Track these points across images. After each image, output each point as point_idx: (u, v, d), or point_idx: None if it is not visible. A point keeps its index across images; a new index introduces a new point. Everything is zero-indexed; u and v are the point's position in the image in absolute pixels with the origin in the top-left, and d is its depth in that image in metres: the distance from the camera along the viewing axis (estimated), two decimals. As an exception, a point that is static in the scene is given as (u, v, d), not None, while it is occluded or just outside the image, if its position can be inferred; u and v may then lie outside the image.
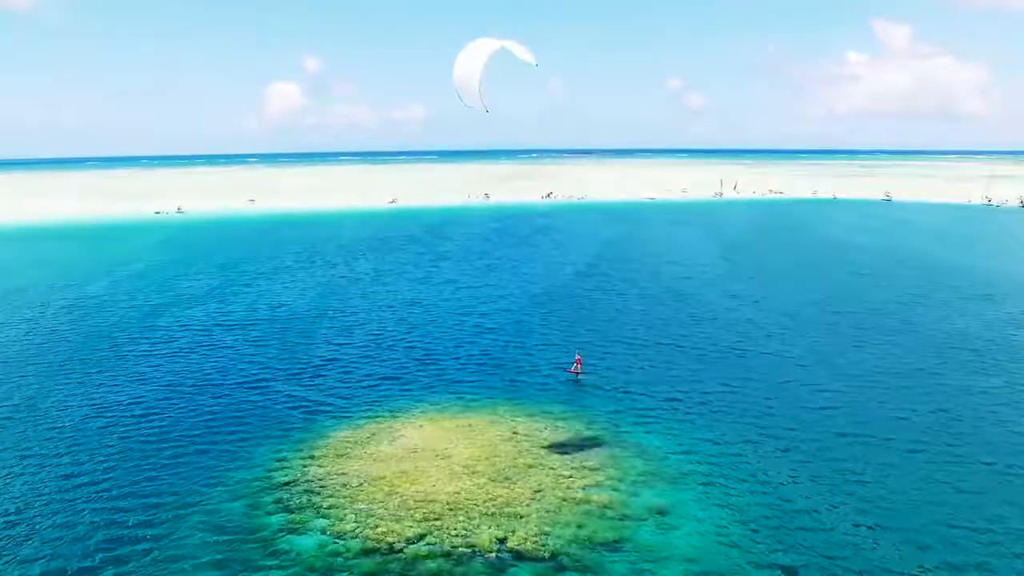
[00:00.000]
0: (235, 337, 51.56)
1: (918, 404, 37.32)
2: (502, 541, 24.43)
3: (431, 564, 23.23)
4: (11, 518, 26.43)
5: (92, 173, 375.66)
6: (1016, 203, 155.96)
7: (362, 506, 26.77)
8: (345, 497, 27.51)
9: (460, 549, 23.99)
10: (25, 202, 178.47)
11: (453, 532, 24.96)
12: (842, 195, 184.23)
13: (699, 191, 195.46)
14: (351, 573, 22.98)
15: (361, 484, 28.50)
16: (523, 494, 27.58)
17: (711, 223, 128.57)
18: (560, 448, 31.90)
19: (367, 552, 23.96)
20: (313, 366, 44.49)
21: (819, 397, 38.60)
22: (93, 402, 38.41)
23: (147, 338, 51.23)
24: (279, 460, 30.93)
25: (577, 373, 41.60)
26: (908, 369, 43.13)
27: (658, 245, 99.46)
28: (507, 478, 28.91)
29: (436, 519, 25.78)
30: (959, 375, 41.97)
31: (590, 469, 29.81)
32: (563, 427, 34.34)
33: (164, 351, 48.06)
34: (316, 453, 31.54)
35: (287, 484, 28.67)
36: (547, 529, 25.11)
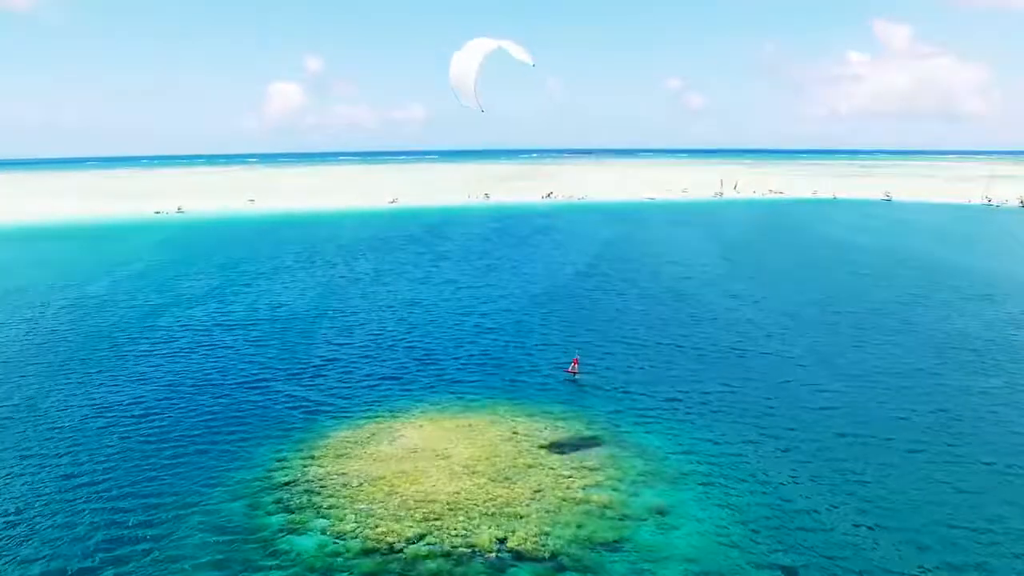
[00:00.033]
0: (235, 337, 51.56)
1: (918, 404, 37.33)
2: (502, 541, 24.43)
3: (431, 564, 23.24)
4: (11, 518, 26.44)
5: (92, 173, 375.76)
6: (1016, 203, 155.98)
7: (362, 506, 26.78)
8: (345, 497, 27.51)
9: (460, 549, 24.00)
10: (25, 202, 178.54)
11: (453, 532, 24.96)
12: (842, 195, 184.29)
13: (699, 191, 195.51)
14: (351, 573, 22.99)
15: (361, 484, 28.51)
16: (523, 494, 27.59)
17: (711, 223, 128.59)
18: (560, 448, 31.91)
19: (367, 552, 23.97)
20: (313, 366, 44.50)
21: (819, 397, 38.60)
22: (93, 402, 38.42)
23: (147, 338, 51.24)
24: (279, 460, 30.94)
25: (575, 373, 41.64)
26: (908, 369, 43.13)
27: (658, 245, 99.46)
28: (507, 478, 28.91)
29: (436, 519, 25.79)
30: (959, 375, 41.98)
31: (590, 469, 29.81)
32: (563, 427, 34.35)
33: (164, 351, 48.06)
34: (316, 453, 31.55)
35: (287, 484, 28.68)
36: (547, 529, 25.12)
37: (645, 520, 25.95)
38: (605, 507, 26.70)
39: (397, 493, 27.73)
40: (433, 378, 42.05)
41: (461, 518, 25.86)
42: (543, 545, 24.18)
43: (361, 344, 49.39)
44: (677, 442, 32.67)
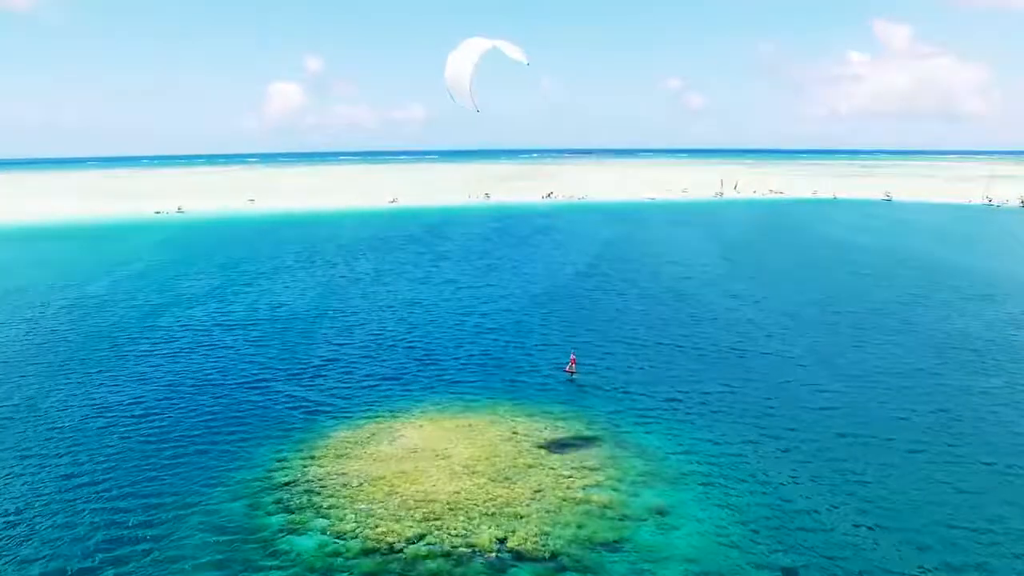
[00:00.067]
0: (235, 337, 51.56)
1: (918, 404, 37.31)
2: (502, 541, 24.43)
3: (431, 564, 23.23)
4: (11, 518, 26.43)
5: (92, 173, 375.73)
6: (1017, 203, 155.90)
7: (362, 506, 26.77)
8: (345, 497, 27.50)
9: (460, 549, 23.99)
10: (25, 202, 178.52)
11: (453, 532, 24.96)
12: (842, 195, 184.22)
13: (699, 191, 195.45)
14: (351, 573, 22.98)
15: (361, 484, 28.50)
16: (523, 494, 27.58)
17: (711, 223, 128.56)
18: (560, 448, 31.90)
19: (367, 552, 23.97)
20: (313, 366, 44.50)
21: (819, 397, 38.59)
22: (93, 402, 38.41)
23: (147, 338, 51.24)
24: (279, 460, 30.93)
25: (572, 372, 41.69)
26: (908, 369, 43.11)
27: (658, 245, 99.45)
28: (507, 478, 28.90)
29: (436, 519, 25.78)
30: (959, 375, 41.96)
31: (590, 469, 29.80)
32: (563, 427, 34.34)
33: (164, 351, 48.06)
34: (316, 453, 31.54)
35: (287, 484, 28.68)
36: (547, 529, 25.11)
37: (645, 520, 25.94)
38: (605, 507, 26.69)
39: (397, 493, 27.73)
40: (433, 378, 42.05)
41: (461, 518, 25.85)
42: (543, 545, 24.17)
43: (361, 344, 49.39)
44: (677, 442, 32.66)
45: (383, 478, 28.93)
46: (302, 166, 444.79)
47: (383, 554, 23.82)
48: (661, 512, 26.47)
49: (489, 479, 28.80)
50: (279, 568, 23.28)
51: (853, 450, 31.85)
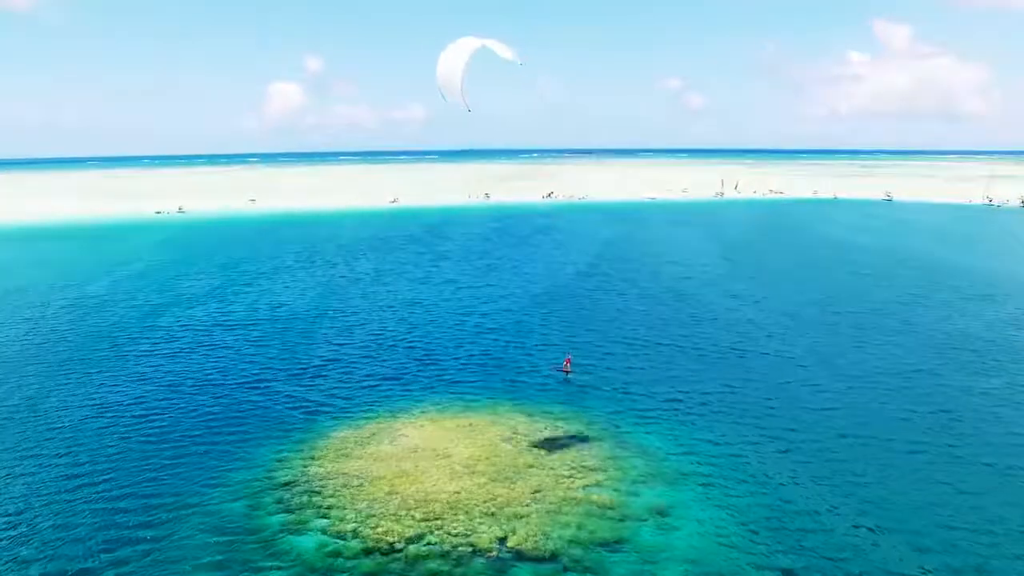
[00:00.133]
0: (236, 337, 51.56)
1: (919, 405, 37.30)
2: (502, 541, 24.43)
3: (431, 564, 23.23)
4: (11, 518, 26.44)
5: (92, 173, 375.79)
6: (1017, 203, 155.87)
7: (362, 506, 26.77)
8: (345, 497, 27.50)
9: (460, 549, 23.99)
10: (25, 202, 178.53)
11: (453, 532, 24.95)
12: (843, 195, 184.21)
13: (699, 191, 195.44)
14: (351, 573, 22.99)
15: (362, 484, 28.50)
16: (523, 494, 27.57)
17: (711, 223, 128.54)
18: (560, 448, 31.89)
19: (367, 552, 23.97)
20: (314, 366, 44.49)
21: (819, 398, 38.58)
22: (93, 402, 38.41)
23: (147, 338, 51.24)
24: (280, 460, 30.93)
25: (568, 372, 41.74)
26: (909, 370, 43.10)
27: (658, 245, 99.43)
28: (507, 478, 28.90)
29: (436, 519, 25.78)
30: (960, 376, 41.95)
31: (590, 469, 29.80)
32: (563, 427, 34.33)
33: (164, 351, 48.06)
34: (317, 453, 31.54)
35: (288, 484, 28.67)
36: (547, 529, 25.10)
37: (645, 520, 25.93)
38: (605, 507, 26.69)
39: (397, 493, 27.72)
40: (433, 378, 42.04)
41: (461, 518, 25.85)
42: (543, 545, 24.17)
43: (361, 344, 49.38)
44: (677, 442, 32.66)
45: (383, 478, 28.93)
46: (302, 166, 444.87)
47: (383, 554, 23.82)
48: (661, 512, 26.46)
49: (489, 479, 28.80)
50: (279, 568, 23.28)
51: (853, 450, 31.84)
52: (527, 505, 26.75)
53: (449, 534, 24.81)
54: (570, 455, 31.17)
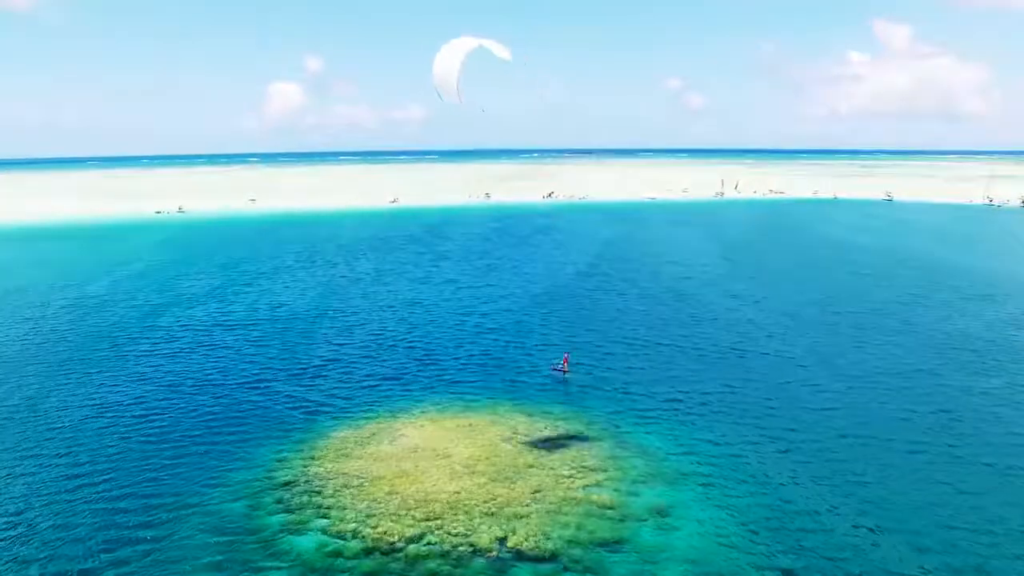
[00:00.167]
0: (236, 337, 51.56)
1: (919, 405, 37.30)
2: (502, 541, 24.43)
3: (431, 564, 23.23)
4: (11, 518, 26.44)
5: (92, 173, 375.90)
6: (1017, 203, 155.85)
7: (362, 506, 26.77)
8: (346, 497, 27.50)
9: (460, 549, 24.00)
10: (25, 202, 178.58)
11: (453, 532, 24.96)
12: (843, 195, 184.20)
13: (700, 191, 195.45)
14: (351, 573, 22.99)
15: (362, 484, 28.50)
16: (523, 494, 27.58)
17: (712, 223, 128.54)
18: (560, 448, 31.89)
19: (368, 552, 23.97)
20: (314, 366, 44.50)
21: (819, 398, 38.58)
22: (93, 402, 38.42)
23: (147, 338, 51.25)
24: (280, 460, 30.93)
25: (565, 371, 41.75)
26: (909, 370, 43.09)
27: (658, 245, 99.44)
28: (507, 478, 28.90)
29: (436, 519, 25.79)
30: (960, 376, 41.95)
31: (590, 469, 29.80)
32: (563, 427, 34.33)
33: (165, 351, 48.07)
34: (317, 453, 31.54)
35: (288, 484, 28.68)
36: (547, 529, 25.10)
37: (645, 520, 25.94)
38: (605, 507, 26.69)
39: (397, 493, 27.73)
40: (433, 378, 42.05)
41: (461, 518, 25.85)
42: (543, 545, 24.17)
43: (362, 344, 49.39)
44: (677, 442, 32.66)
45: (383, 478, 28.94)
46: (302, 166, 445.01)
47: (383, 554, 23.83)
48: (661, 512, 26.46)
49: (489, 479, 28.80)
50: (279, 568, 23.29)
51: (853, 450, 31.84)
52: (527, 505, 26.75)
53: (449, 534, 24.82)
54: (570, 455, 31.17)
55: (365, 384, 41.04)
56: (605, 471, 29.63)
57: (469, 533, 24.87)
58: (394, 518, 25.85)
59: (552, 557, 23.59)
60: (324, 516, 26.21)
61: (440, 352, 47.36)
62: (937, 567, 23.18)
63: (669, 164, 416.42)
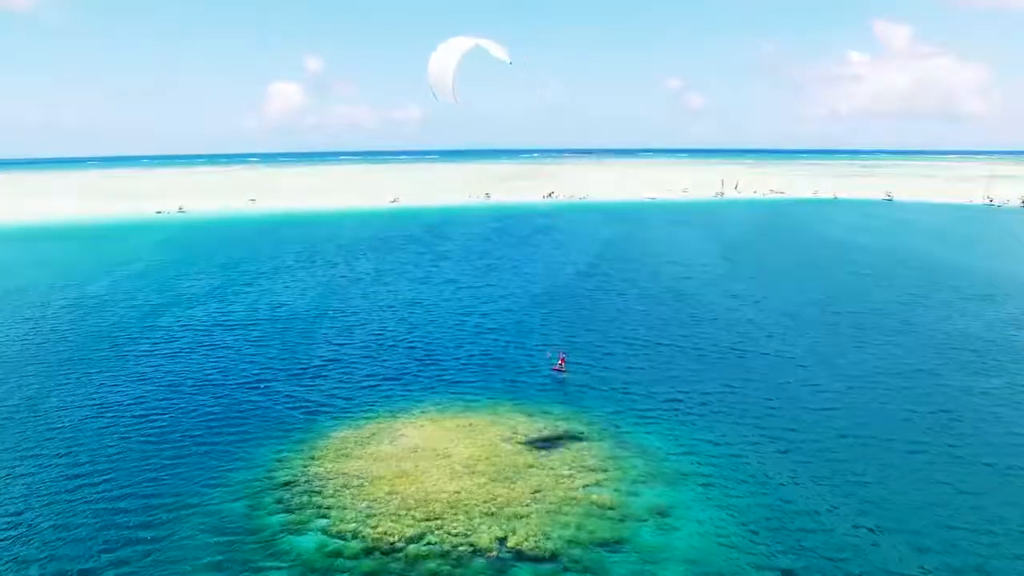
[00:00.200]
0: (236, 337, 51.56)
1: (919, 405, 37.29)
2: (502, 541, 24.43)
3: (431, 564, 23.23)
4: (11, 518, 26.44)
5: (92, 173, 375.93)
6: (1017, 203, 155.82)
7: (363, 506, 26.77)
8: (346, 497, 27.50)
9: (460, 549, 24.00)
10: (25, 202, 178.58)
11: (453, 532, 24.96)
12: (843, 195, 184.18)
13: (700, 191, 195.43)
14: (351, 573, 22.99)
15: (362, 484, 28.50)
16: (523, 494, 27.57)
17: (712, 223, 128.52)
18: (560, 448, 31.89)
19: (368, 552, 23.97)
20: (314, 366, 44.49)
21: (819, 398, 38.57)
22: (93, 402, 38.41)
23: (147, 338, 51.24)
24: (280, 460, 30.93)
25: (562, 371, 41.76)
26: (909, 370, 43.09)
27: (658, 245, 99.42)
28: (507, 478, 28.90)
29: (436, 518, 25.79)
30: (960, 376, 41.94)
31: (590, 469, 29.80)
32: (563, 427, 34.32)
33: (165, 351, 48.06)
34: (317, 453, 31.54)
35: (288, 484, 28.68)
36: (547, 529, 25.10)
37: (645, 520, 25.93)
38: (605, 507, 26.69)
39: (397, 493, 27.73)
40: (433, 378, 42.04)
41: (461, 518, 25.85)
42: (543, 545, 24.17)
43: (362, 344, 49.38)
44: (677, 442, 32.65)
45: (383, 478, 28.94)
46: (302, 166, 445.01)
47: (383, 554, 23.83)
48: (661, 512, 26.46)
49: (489, 479, 28.80)
50: (279, 568, 23.29)
51: (853, 450, 31.83)
52: (527, 505, 26.75)
53: (449, 534, 24.82)
54: (570, 455, 31.17)
55: (365, 384, 41.04)
56: (605, 471, 29.63)
57: (469, 533, 24.87)
58: (394, 518, 25.86)
59: (552, 557, 23.59)
60: (324, 516, 26.21)
61: (440, 352, 47.36)
62: (937, 567, 23.18)
63: (669, 164, 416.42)
